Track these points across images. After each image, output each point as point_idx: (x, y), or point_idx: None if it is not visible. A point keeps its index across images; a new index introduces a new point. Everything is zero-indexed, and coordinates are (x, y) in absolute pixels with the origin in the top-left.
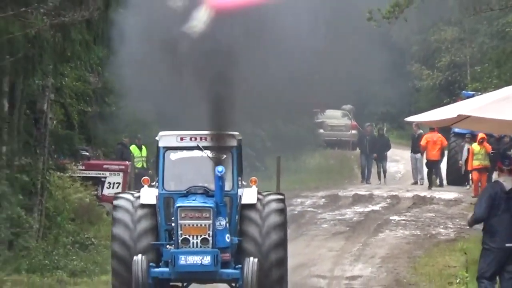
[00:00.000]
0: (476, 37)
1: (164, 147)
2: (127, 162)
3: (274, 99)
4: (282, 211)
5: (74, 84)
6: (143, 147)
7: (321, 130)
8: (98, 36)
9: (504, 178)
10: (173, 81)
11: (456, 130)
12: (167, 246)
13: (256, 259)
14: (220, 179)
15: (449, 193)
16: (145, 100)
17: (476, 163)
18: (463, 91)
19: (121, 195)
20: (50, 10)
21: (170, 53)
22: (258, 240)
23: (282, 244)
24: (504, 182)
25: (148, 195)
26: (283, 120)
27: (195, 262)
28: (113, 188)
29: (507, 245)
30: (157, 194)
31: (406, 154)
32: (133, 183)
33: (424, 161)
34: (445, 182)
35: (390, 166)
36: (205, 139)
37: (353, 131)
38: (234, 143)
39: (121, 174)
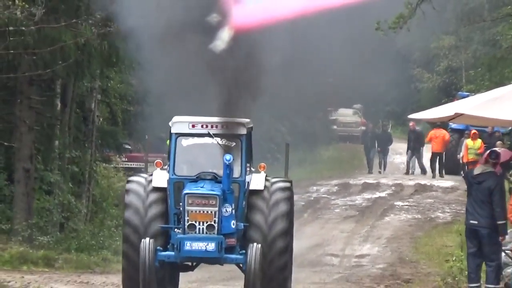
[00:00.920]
0: (470, 45)
1: (176, 133)
2: (164, 154)
3: (294, 99)
4: (288, 200)
5: (118, 86)
6: None
7: (335, 126)
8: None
9: (481, 167)
10: (197, 81)
11: (453, 125)
12: (175, 229)
13: (259, 245)
14: (227, 167)
15: (446, 182)
16: (174, 100)
17: (470, 157)
18: (459, 92)
19: (133, 178)
20: (98, 21)
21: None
22: (263, 229)
23: (287, 232)
24: (475, 169)
25: (160, 178)
26: (301, 117)
27: (200, 248)
28: None
29: (470, 221)
30: (168, 178)
31: None
32: None
33: (429, 154)
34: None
35: (395, 158)
36: (216, 126)
37: (363, 127)
38: (243, 131)
39: None
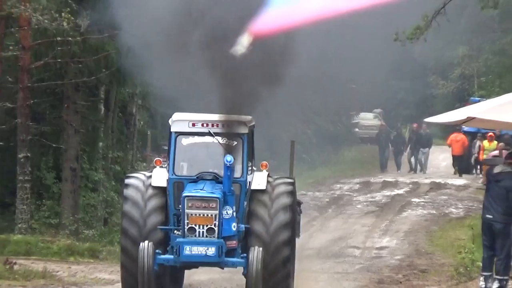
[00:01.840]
0: (482, 54)
1: (176, 132)
2: None
3: (319, 104)
4: (291, 193)
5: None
6: None
7: (357, 129)
8: None
9: (501, 166)
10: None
11: (466, 128)
12: (175, 231)
13: (260, 248)
14: (228, 169)
15: (459, 180)
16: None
17: (485, 157)
18: (471, 97)
19: (133, 174)
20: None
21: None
22: (266, 221)
23: (289, 224)
24: (495, 168)
25: (160, 177)
26: (326, 120)
27: (199, 252)
28: None
29: (486, 216)
30: (167, 178)
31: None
32: None
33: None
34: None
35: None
36: (217, 125)
37: (384, 129)
38: (245, 129)
39: None
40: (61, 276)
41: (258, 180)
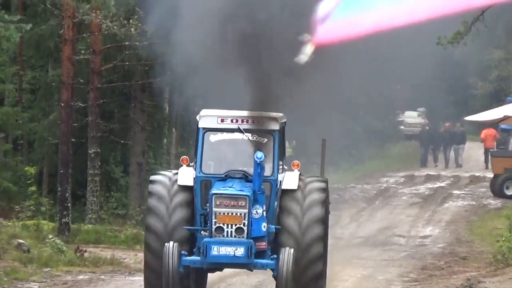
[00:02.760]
0: None
1: (203, 128)
2: None
3: (368, 102)
4: (323, 190)
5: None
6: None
7: (402, 127)
8: None
9: None
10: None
11: (503, 126)
12: (202, 232)
13: (292, 249)
14: (259, 166)
15: None
16: None
17: None
18: (508, 98)
19: (156, 178)
20: None
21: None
22: (297, 234)
23: (323, 220)
24: None
25: (186, 176)
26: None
27: (227, 253)
28: None
29: None
30: (194, 176)
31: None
32: None
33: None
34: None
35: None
36: (247, 121)
37: (426, 128)
38: (276, 126)
39: None
40: (128, 263)
41: (290, 179)
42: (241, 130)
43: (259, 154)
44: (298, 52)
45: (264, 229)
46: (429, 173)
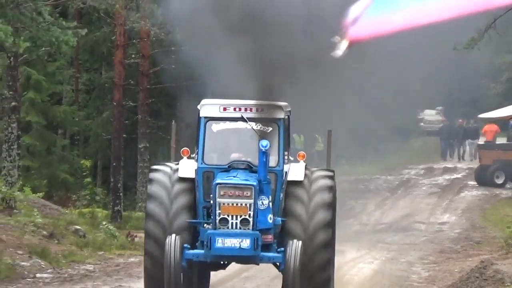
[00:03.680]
0: None
1: (205, 117)
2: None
3: (391, 101)
4: (330, 189)
5: None
6: (301, 136)
7: (422, 124)
8: None
9: None
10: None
11: None
12: (205, 225)
13: (300, 242)
14: (264, 155)
15: None
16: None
17: None
18: None
19: (158, 167)
20: None
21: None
22: (303, 220)
23: (329, 224)
24: None
25: (187, 168)
26: (396, 115)
27: (233, 245)
28: None
29: None
30: (196, 167)
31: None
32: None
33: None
34: None
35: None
36: (250, 109)
37: (442, 125)
38: (281, 114)
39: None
40: None
41: (295, 171)
42: (244, 119)
43: (264, 142)
44: (333, 48)
45: (270, 221)
46: (447, 165)
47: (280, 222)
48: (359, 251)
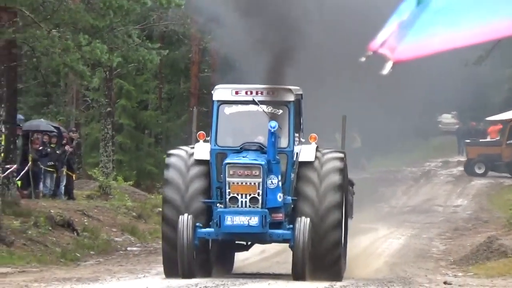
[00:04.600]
0: None
1: (218, 101)
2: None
3: (415, 106)
4: (341, 171)
5: None
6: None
7: (440, 125)
8: None
9: None
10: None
11: None
12: (218, 204)
13: (308, 219)
14: (272, 135)
15: None
16: None
17: None
18: None
19: (174, 151)
20: None
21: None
22: (314, 201)
23: (339, 205)
24: None
25: (202, 150)
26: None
27: (242, 222)
28: None
29: None
30: (210, 149)
31: None
32: None
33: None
34: None
35: None
36: (261, 93)
37: (457, 126)
38: (291, 97)
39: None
40: None
41: (306, 152)
42: (255, 102)
43: (273, 123)
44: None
45: (280, 200)
46: (460, 159)
47: (291, 201)
48: (389, 229)
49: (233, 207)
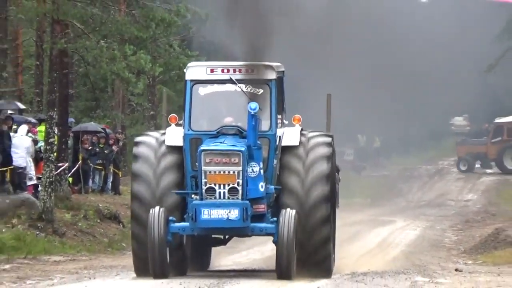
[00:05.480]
0: None
1: (191, 80)
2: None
3: (429, 110)
4: (329, 158)
5: None
6: (364, 136)
7: (452, 127)
8: None
9: None
10: None
11: None
12: (193, 195)
13: (294, 211)
14: (253, 118)
15: None
16: None
17: None
18: None
19: (142, 139)
20: None
21: None
22: (299, 194)
23: (327, 198)
24: None
25: (174, 135)
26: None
27: (220, 216)
28: None
29: None
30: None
31: None
32: None
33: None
34: None
35: None
36: (239, 71)
37: (468, 128)
38: (272, 75)
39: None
40: None
41: (290, 135)
42: (233, 80)
43: (253, 105)
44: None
45: (262, 190)
46: None
47: (274, 191)
48: (406, 221)
49: (210, 199)
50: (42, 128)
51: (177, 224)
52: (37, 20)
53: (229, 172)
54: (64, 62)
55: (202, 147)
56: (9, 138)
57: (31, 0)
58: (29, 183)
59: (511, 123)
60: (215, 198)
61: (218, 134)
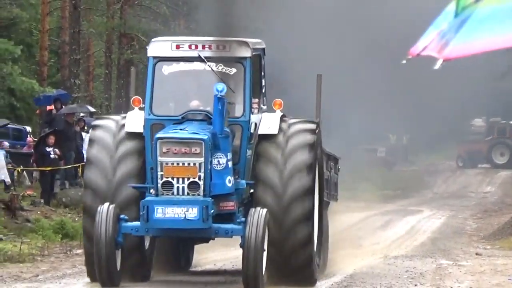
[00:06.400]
0: None
1: (154, 57)
2: None
3: (453, 112)
4: (312, 147)
5: None
6: (394, 135)
7: (472, 128)
8: None
9: None
10: None
11: None
12: (151, 190)
13: (265, 210)
14: (219, 101)
15: None
16: None
17: None
18: None
19: (100, 122)
20: None
21: None
22: (277, 187)
23: (309, 192)
24: None
25: (136, 121)
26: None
27: (176, 215)
28: None
29: None
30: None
31: None
32: None
33: None
34: None
35: None
36: (209, 47)
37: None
38: (247, 53)
39: None
40: None
41: (268, 122)
42: (201, 58)
43: (220, 86)
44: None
45: (229, 185)
46: None
47: (245, 186)
48: (432, 210)
49: (167, 194)
50: None
51: (129, 224)
52: (106, 34)
53: (188, 164)
54: (129, 71)
55: (159, 135)
56: (81, 138)
57: (101, 16)
58: None
59: (501, 123)
60: (173, 194)
61: (183, 119)
